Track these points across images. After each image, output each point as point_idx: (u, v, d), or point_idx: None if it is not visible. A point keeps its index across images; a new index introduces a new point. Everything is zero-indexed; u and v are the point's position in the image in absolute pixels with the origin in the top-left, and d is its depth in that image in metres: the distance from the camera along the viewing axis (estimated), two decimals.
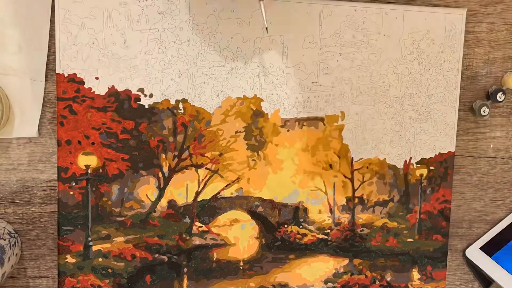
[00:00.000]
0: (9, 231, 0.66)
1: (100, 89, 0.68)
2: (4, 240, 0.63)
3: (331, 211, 0.75)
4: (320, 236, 0.75)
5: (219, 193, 0.72)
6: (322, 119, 0.73)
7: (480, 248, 0.78)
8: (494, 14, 0.77)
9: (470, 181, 0.79)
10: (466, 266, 0.80)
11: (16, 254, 0.66)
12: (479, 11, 0.77)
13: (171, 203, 0.70)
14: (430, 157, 0.76)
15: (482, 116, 0.76)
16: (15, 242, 0.66)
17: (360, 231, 0.76)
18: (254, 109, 0.71)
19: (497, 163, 0.79)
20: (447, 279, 0.79)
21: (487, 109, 0.76)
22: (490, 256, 0.76)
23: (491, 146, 0.79)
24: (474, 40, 0.77)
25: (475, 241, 0.79)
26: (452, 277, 0.80)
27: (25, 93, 0.66)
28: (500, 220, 0.80)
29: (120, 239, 0.70)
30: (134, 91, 0.68)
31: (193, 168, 0.71)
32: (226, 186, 0.72)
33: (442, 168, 0.77)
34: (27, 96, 0.66)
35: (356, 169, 0.75)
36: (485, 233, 0.80)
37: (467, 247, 0.79)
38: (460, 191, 0.79)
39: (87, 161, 0.68)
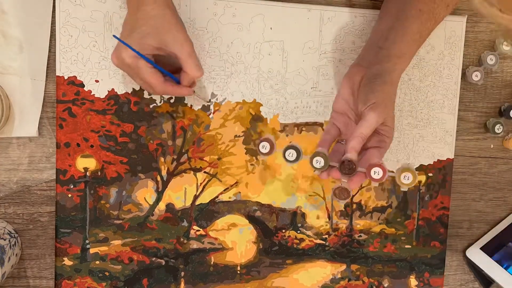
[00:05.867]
0: (9, 231, 0.66)
1: (100, 92, 0.68)
2: (4, 240, 0.63)
3: (329, 216, 0.75)
4: (318, 241, 0.75)
5: (217, 197, 0.72)
6: (321, 125, 0.73)
7: (481, 248, 0.77)
8: None
9: (470, 181, 0.79)
10: (466, 266, 0.80)
11: (16, 254, 0.66)
12: None
13: (169, 207, 0.71)
14: (429, 164, 0.76)
15: (496, 133, 0.76)
16: (15, 242, 0.66)
17: (358, 236, 0.76)
18: (253, 113, 0.72)
19: (497, 163, 0.79)
20: (447, 279, 0.79)
21: (501, 127, 0.76)
22: (490, 256, 0.76)
23: (491, 146, 0.79)
24: (474, 40, 0.77)
25: (475, 241, 0.79)
26: (453, 277, 0.80)
27: (25, 92, 0.66)
28: (501, 220, 0.80)
29: (118, 242, 0.70)
30: (133, 94, 0.68)
31: (192, 172, 0.71)
32: (224, 190, 0.72)
33: (440, 175, 0.77)
34: (28, 96, 0.66)
35: None
36: (485, 233, 0.80)
37: (468, 247, 0.79)
38: (460, 191, 0.79)
39: (85, 163, 0.68)
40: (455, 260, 0.80)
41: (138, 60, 0.59)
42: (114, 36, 0.59)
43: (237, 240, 0.73)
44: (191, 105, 0.70)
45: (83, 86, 0.67)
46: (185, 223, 0.71)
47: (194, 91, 0.64)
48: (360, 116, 0.62)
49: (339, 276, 0.76)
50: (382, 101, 0.60)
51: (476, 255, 0.77)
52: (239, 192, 0.72)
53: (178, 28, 0.60)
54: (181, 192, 0.71)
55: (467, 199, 0.79)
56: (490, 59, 0.75)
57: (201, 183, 0.71)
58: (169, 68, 0.62)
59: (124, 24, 0.61)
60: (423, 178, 0.76)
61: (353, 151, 0.59)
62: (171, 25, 0.60)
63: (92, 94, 0.68)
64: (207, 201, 0.72)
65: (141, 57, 0.59)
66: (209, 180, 0.71)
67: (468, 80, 0.76)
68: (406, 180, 0.60)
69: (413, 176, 0.60)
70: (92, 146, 0.68)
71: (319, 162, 0.59)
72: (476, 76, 0.75)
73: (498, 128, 0.76)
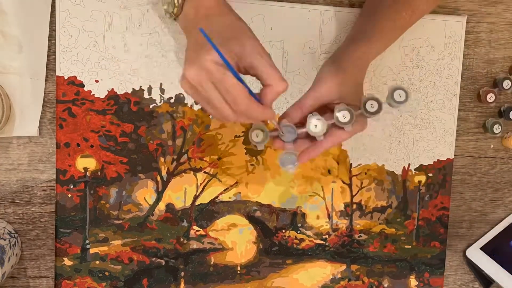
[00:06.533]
0: (9, 231, 0.66)
1: (100, 92, 0.68)
2: (4, 240, 0.63)
3: (329, 216, 0.75)
4: (318, 241, 0.75)
5: (217, 197, 0.72)
6: None
7: (481, 248, 0.78)
8: (494, 14, 0.77)
9: (470, 181, 0.79)
10: (466, 266, 0.80)
11: (16, 254, 0.66)
12: (479, 11, 0.77)
13: (169, 207, 0.71)
14: (429, 164, 0.76)
15: (494, 133, 0.76)
16: (15, 242, 0.66)
17: (358, 237, 0.76)
18: None
19: (497, 163, 0.79)
20: (447, 279, 0.79)
21: (500, 127, 0.76)
22: (490, 256, 0.76)
23: (491, 146, 0.79)
24: (474, 40, 0.77)
25: (475, 241, 0.79)
26: (453, 277, 0.80)
27: (25, 92, 0.66)
28: (501, 220, 0.80)
29: (118, 242, 0.70)
30: (133, 94, 0.68)
31: (192, 172, 0.71)
32: (224, 190, 0.72)
33: (440, 175, 0.77)
34: (28, 95, 0.66)
35: (354, 175, 0.75)
36: (485, 233, 0.80)
37: (468, 247, 0.79)
38: (460, 191, 0.79)
39: (85, 163, 0.68)
40: (455, 260, 0.80)
41: (225, 68, 0.48)
42: (200, 29, 0.47)
43: (237, 240, 0.73)
44: (191, 105, 0.70)
45: (83, 86, 0.67)
46: (185, 223, 0.71)
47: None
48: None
49: (339, 276, 0.76)
50: (332, 76, 0.57)
51: (476, 255, 0.77)
52: (239, 192, 0.72)
53: (255, 37, 0.52)
54: (181, 192, 0.71)
55: (467, 199, 0.79)
56: (506, 84, 0.76)
57: (201, 183, 0.71)
58: None
59: (189, 45, 0.52)
60: (423, 178, 0.76)
61: (287, 117, 0.56)
62: (250, 33, 0.52)
63: (92, 94, 0.68)
64: (207, 201, 0.72)
65: (226, 66, 0.48)
66: (209, 180, 0.71)
67: (488, 131, 0.76)
68: (371, 108, 0.56)
69: (378, 104, 0.56)
70: (92, 146, 0.68)
71: (258, 136, 0.58)
72: (497, 129, 0.76)
73: (497, 128, 0.76)
